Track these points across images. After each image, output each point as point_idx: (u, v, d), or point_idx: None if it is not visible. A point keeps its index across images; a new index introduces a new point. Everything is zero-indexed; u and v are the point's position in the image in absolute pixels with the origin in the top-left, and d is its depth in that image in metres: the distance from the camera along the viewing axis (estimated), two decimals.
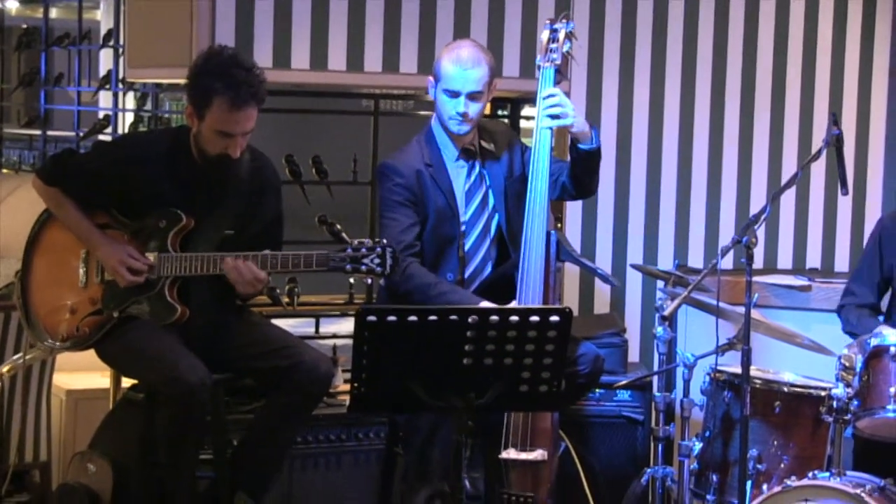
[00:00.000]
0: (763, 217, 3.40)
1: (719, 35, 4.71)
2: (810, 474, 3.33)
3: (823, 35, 4.81)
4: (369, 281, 4.27)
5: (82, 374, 4.42)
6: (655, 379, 3.74)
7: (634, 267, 4.32)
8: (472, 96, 3.55)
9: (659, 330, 3.61)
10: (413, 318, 2.82)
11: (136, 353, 3.45)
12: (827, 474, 3.32)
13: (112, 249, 3.49)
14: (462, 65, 3.54)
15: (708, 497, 3.56)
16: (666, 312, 3.55)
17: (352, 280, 4.31)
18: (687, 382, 3.61)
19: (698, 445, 3.60)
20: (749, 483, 3.43)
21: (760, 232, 3.43)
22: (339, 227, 4.27)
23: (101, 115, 5.14)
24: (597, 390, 3.99)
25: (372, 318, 2.81)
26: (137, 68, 4.37)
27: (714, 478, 3.55)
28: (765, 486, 3.44)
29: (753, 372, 3.46)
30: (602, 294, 4.62)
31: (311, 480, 3.88)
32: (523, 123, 4.66)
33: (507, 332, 2.86)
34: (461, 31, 4.32)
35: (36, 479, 4.27)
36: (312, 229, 4.26)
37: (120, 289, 3.49)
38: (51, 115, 6.11)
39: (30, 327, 3.62)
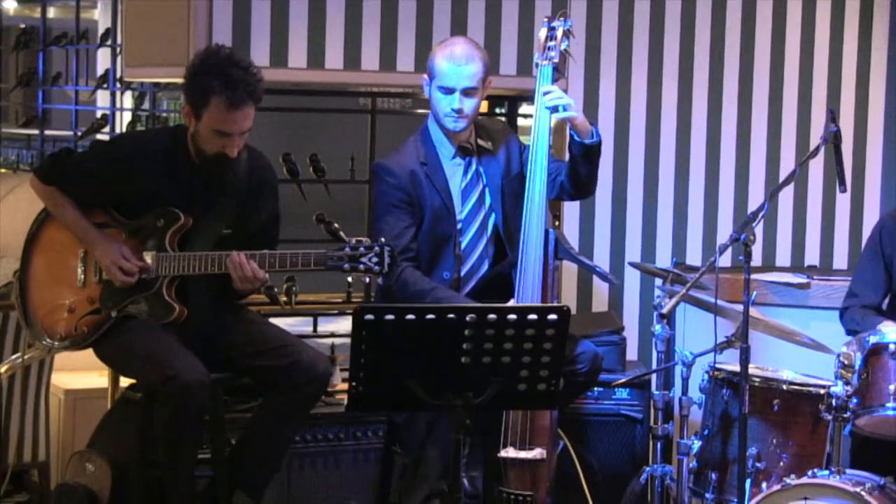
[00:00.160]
0: (761, 214, 3.39)
1: (716, 32, 4.71)
2: (809, 472, 3.33)
3: (821, 32, 4.81)
4: (367, 280, 4.27)
5: (81, 374, 4.42)
6: (654, 377, 3.73)
7: (633, 265, 4.32)
8: (467, 92, 3.55)
9: (657, 328, 3.61)
10: (411, 316, 2.82)
11: (134, 352, 3.45)
12: (826, 472, 3.32)
13: (107, 249, 3.49)
14: (455, 61, 3.55)
15: (707, 495, 3.56)
16: (664, 310, 3.55)
17: (350, 279, 4.31)
18: (685, 380, 3.60)
19: (697, 444, 3.60)
20: (748, 481, 3.43)
21: (759, 229, 3.43)
22: (336, 225, 4.24)
23: (98, 114, 5.14)
24: (595, 389, 3.99)
25: (370, 316, 2.81)
26: (135, 67, 4.37)
27: (713, 476, 3.55)
28: (764, 485, 3.44)
29: (752, 370, 3.46)
30: (600, 292, 4.62)
31: (309, 479, 3.88)
32: (521, 122, 4.66)
33: (506, 331, 2.86)
34: (458, 29, 4.32)
35: (34, 479, 4.27)
36: (310, 228, 4.24)
37: (118, 288, 3.49)
38: (49, 114, 6.11)
39: (28, 327, 3.62)
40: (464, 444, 2.91)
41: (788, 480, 3.31)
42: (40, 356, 4.00)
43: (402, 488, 3.65)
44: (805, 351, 3.68)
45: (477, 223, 3.66)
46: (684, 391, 3.61)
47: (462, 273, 3.63)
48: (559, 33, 3.58)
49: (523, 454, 3.46)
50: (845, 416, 3.35)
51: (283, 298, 4.24)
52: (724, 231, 4.67)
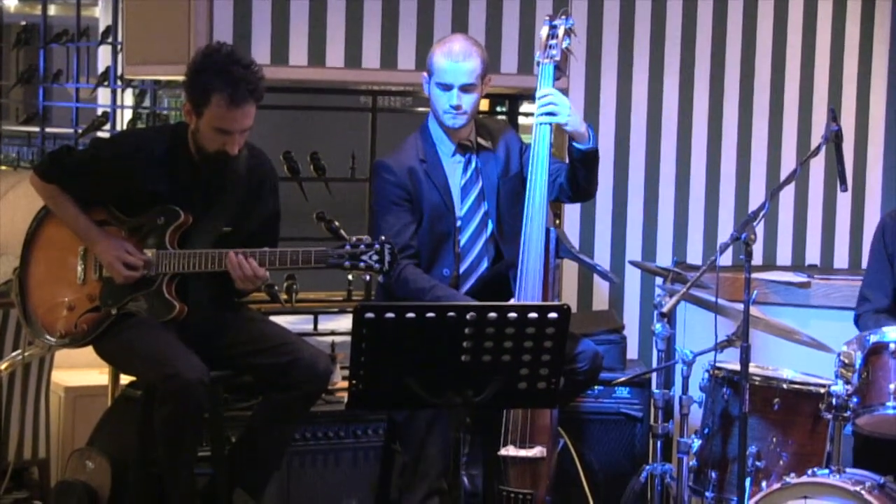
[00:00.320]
0: (762, 213, 3.39)
1: (718, 31, 4.70)
2: (809, 471, 3.33)
3: (822, 31, 4.81)
4: (367, 278, 4.27)
5: (81, 371, 4.42)
6: (654, 376, 3.73)
7: (633, 264, 4.31)
8: (465, 88, 3.55)
9: (658, 327, 3.61)
10: (411, 315, 2.82)
11: (134, 350, 3.44)
12: (826, 471, 3.32)
13: (109, 245, 3.48)
14: (454, 58, 3.55)
15: (707, 494, 3.55)
16: (665, 309, 3.55)
17: (350, 277, 4.31)
18: (686, 379, 3.60)
19: (697, 442, 3.60)
20: (748, 480, 3.43)
21: (759, 228, 3.43)
22: (337, 223, 4.27)
23: (99, 111, 5.14)
24: (595, 387, 3.99)
25: (370, 315, 2.81)
26: (135, 65, 4.37)
27: (713, 475, 3.55)
28: (764, 484, 3.43)
29: (752, 369, 3.46)
30: (601, 291, 4.62)
31: (309, 477, 3.88)
32: (522, 120, 4.66)
33: (506, 329, 2.85)
34: (459, 27, 4.31)
35: (34, 477, 4.27)
36: (310, 226, 4.25)
37: (118, 285, 3.49)
38: (49, 111, 6.11)
39: (28, 324, 3.62)
40: (464, 443, 2.91)
41: (788, 479, 3.31)
42: (40, 354, 4.01)
43: (401, 486, 3.65)
44: (805, 350, 3.68)
45: (476, 220, 3.66)
46: (684, 390, 3.61)
47: (461, 270, 3.63)
48: (560, 31, 3.58)
49: (523, 452, 3.46)
50: (845, 415, 3.35)
51: (284, 296, 4.24)
52: (725, 230, 4.66)
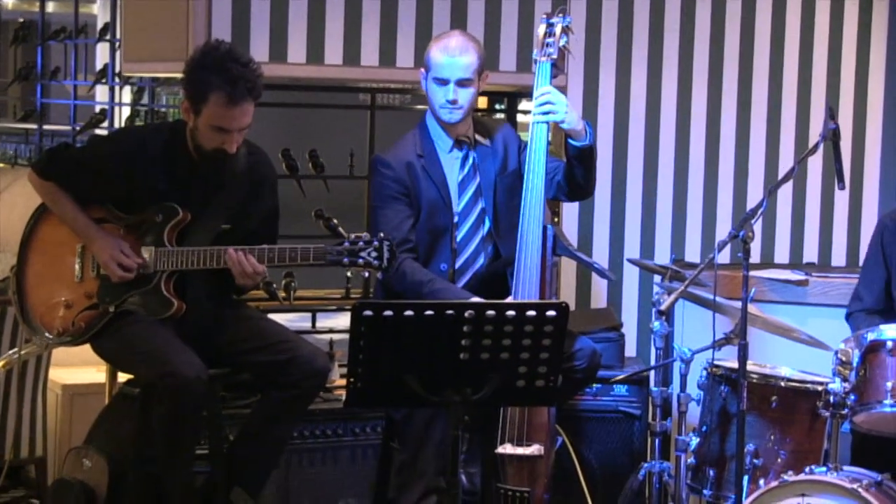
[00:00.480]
0: (760, 211, 3.39)
1: (716, 29, 4.70)
2: (807, 469, 3.33)
3: (820, 29, 4.81)
4: (366, 275, 4.27)
5: (78, 369, 4.42)
6: (652, 374, 3.73)
7: (631, 261, 4.32)
8: (462, 83, 3.56)
9: (656, 325, 3.61)
10: (409, 312, 2.82)
11: (131, 347, 3.44)
12: (824, 469, 3.32)
13: (105, 244, 3.48)
14: (450, 52, 3.56)
15: (705, 492, 3.56)
16: (663, 307, 3.55)
17: (349, 274, 4.30)
18: (684, 377, 3.60)
19: (695, 440, 3.60)
20: (746, 478, 3.43)
21: (757, 226, 3.43)
22: (335, 221, 4.27)
23: (97, 109, 5.14)
24: (593, 385, 3.99)
25: (368, 312, 2.81)
26: (134, 62, 4.37)
27: (711, 472, 3.55)
28: (762, 481, 3.44)
29: (750, 366, 3.46)
30: (599, 289, 4.62)
31: (307, 475, 3.88)
32: (520, 118, 4.66)
33: (504, 327, 2.85)
34: (458, 24, 4.31)
35: (31, 475, 4.27)
36: (309, 223, 4.25)
37: (115, 283, 3.48)
38: (47, 109, 6.10)
39: (25, 322, 3.61)
40: (462, 441, 2.91)
41: (786, 477, 3.31)
42: (37, 351, 4.00)
43: (399, 485, 3.65)
44: (803, 348, 3.68)
45: (473, 216, 3.67)
46: (682, 388, 3.61)
47: (457, 266, 3.63)
48: (558, 30, 3.58)
49: (521, 450, 3.46)
50: (843, 412, 3.36)
51: (282, 294, 4.23)
52: (723, 228, 4.67)
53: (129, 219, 3.53)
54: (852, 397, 3.35)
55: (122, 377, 3.96)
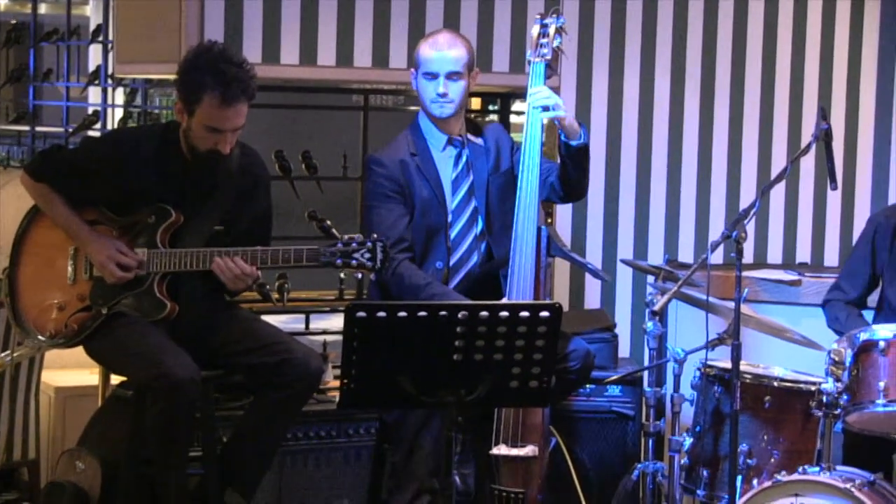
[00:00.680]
0: (752, 212, 3.40)
1: (708, 30, 4.71)
2: (800, 469, 3.34)
3: (812, 30, 4.82)
4: (360, 276, 4.27)
5: (71, 372, 4.41)
6: (646, 374, 3.74)
7: (625, 262, 4.32)
8: (451, 76, 3.58)
9: (649, 325, 3.61)
10: (403, 313, 2.82)
11: (124, 349, 3.43)
12: (817, 469, 3.32)
13: (101, 245, 3.48)
14: (438, 47, 3.60)
15: (698, 492, 3.56)
16: (656, 307, 3.55)
17: (342, 276, 4.30)
18: (677, 377, 3.61)
19: (689, 441, 3.60)
20: (739, 478, 3.44)
21: (750, 227, 3.43)
22: (329, 222, 4.27)
23: (90, 110, 5.11)
24: (587, 386, 3.99)
25: (362, 314, 2.81)
26: (126, 64, 4.36)
27: (704, 473, 3.55)
28: (755, 481, 3.44)
29: (743, 367, 3.47)
30: (592, 289, 4.62)
31: (301, 477, 3.88)
32: (514, 119, 4.66)
33: (497, 328, 2.85)
34: (451, 25, 4.31)
35: (24, 478, 4.26)
36: (302, 225, 4.25)
37: (108, 285, 3.48)
38: (39, 110, 6.08)
39: (18, 324, 3.60)
40: (456, 442, 2.91)
41: (779, 477, 3.31)
42: (30, 354, 3.99)
43: (392, 486, 3.65)
44: (796, 348, 3.69)
45: (466, 215, 3.67)
46: (676, 388, 3.62)
47: (451, 263, 3.63)
48: (551, 30, 3.58)
49: (515, 451, 3.46)
50: (836, 412, 3.36)
51: (275, 296, 4.23)
52: (716, 228, 4.67)
53: (121, 220, 3.52)
54: (845, 397, 3.36)
55: (115, 379, 3.96)
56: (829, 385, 3.36)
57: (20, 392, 4.13)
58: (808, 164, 4.75)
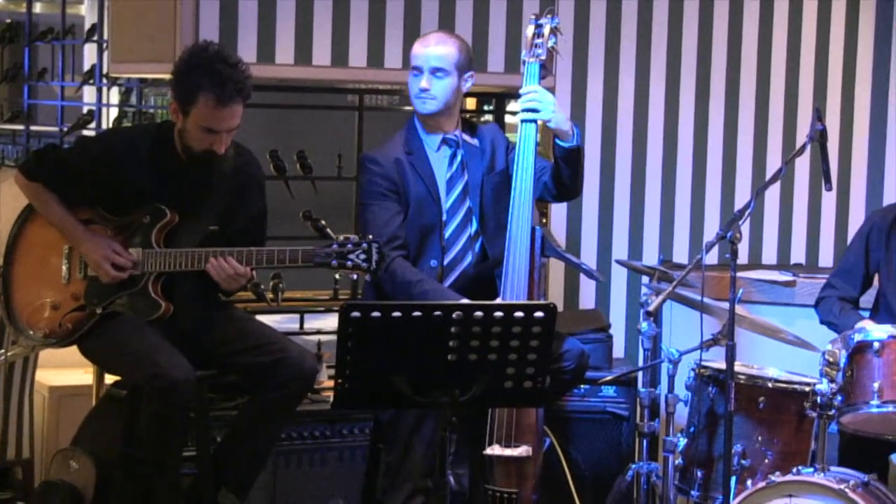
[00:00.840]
0: (747, 212, 3.40)
1: (704, 31, 4.72)
2: (794, 470, 3.34)
3: (807, 31, 4.82)
4: (354, 277, 4.26)
5: (65, 371, 4.40)
6: (640, 374, 3.74)
7: (619, 262, 4.32)
8: (435, 72, 3.59)
9: (644, 325, 3.61)
10: (397, 313, 2.81)
11: (118, 349, 3.43)
12: (811, 470, 3.33)
13: (96, 245, 3.47)
14: (425, 42, 3.64)
15: (692, 493, 3.56)
16: (651, 308, 3.55)
17: (337, 276, 4.30)
18: (672, 378, 3.61)
19: (683, 441, 3.61)
20: (733, 479, 3.44)
21: (745, 227, 3.44)
22: (323, 222, 4.25)
23: (84, 110, 5.11)
24: (581, 386, 3.99)
25: (356, 314, 2.81)
26: (121, 63, 4.35)
27: (699, 473, 3.55)
28: (749, 482, 3.44)
29: (738, 367, 3.47)
30: (587, 290, 4.62)
31: (295, 477, 3.87)
32: (508, 119, 4.66)
33: (492, 328, 2.85)
34: (446, 25, 4.31)
35: (18, 477, 4.25)
36: (297, 225, 4.24)
37: (103, 285, 3.47)
38: (34, 110, 6.07)
39: (12, 323, 3.60)
40: (450, 442, 2.91)
41: (773, 478, 3.32)
42: (24, 353, 3.99)
43: (386, 486, 3.65)
44: (790, 348, 3.69)
45: (460, 215, 3.67)
46: (670, 389, 3.62)
47: (445, 262, 3.63)
48: (546, 30, 3.58)
49: (509, 452, 3.46)
50: (830, 413, 3.36)
51: (270, 295, 4.22)
52: (711, 229, 4.67)
53: (116, 220, 3.52)
54: (839, 398, 3.36)
55: (110, 379, 3.95)
56: (823, 386, 3.37)
57: (14, 391, 4.12)
58: (803, 164, 4.75)
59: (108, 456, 3.62)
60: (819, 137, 3.53)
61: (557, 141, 3.59)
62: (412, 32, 4.25)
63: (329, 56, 4.24)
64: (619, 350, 4.48)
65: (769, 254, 4.83)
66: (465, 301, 3.41)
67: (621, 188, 4.66)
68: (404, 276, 3.52)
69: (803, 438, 3.47)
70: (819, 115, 3.56)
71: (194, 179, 3.49)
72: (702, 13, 4.71)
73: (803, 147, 3.56)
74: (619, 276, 4.63)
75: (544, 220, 4.45)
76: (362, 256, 3.27)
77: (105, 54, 4.71)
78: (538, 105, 3.52)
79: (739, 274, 3.38)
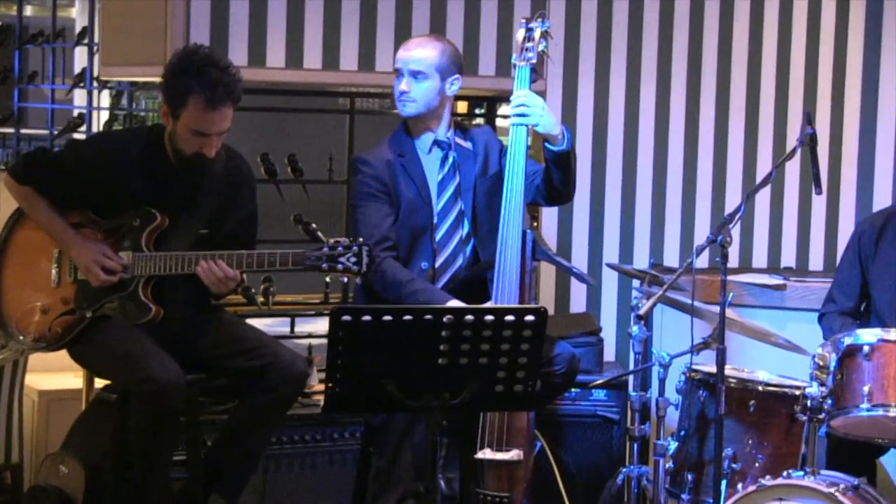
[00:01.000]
0: (738, 216, 3.41)
1: (694, 35, 4.72)
2: (785, 473, 3.34)
3: (797, 35, 4.83)
4: (345, 280, 4.26)
5: (55, 375, 4.39)
6: (631, 378, 3.74)
7: (610, 266, 4.32)
8: (414, 74, 3.60)
9: (634, 329, 3.62)
10: (388, 317, 2.81)
11: (108, 353, 3.42)
12: (801, 473, 3.33)
13: (86, 249, 3.46)
14: (406, 46, 3.67)
15: (683, 496, 3.56)
16: (641, 311, 3.56)
17: (328, 279, 4.29)
18: (662, 382, 3.61)
19: (674, 445, 3.61)
20: (724, 482, 3.44)
21: (735, 231, 3.44)
22: (314, 225, 4.24)
23: (75, 113, 5.10)
24: (572, 390, 3.99)
25: (347, 317, 2.81)
26: (112, 66, 4.35)
27: (689, 477, 3.56)
28: (739, 486, 3.45)
29: (728, 371, 3.47)
30: (578, 293, 4.63)
31: (285, 481, 3.87)
32: (500, 122, 4.66)
33: (483, 332, 2.85)
34: (437, 29, 4.31)
35: (7, 481, 4.23)
36: (288, 228, 4.24)
37: (93, 288, 3.47)
38: (24, 113, 6.06)
39: (1, 328, 3.58)
40: (441, 446, 2.91)
41: (764, 481, 3.32)
42: (13, 357, 3.97)
43: (377, 490, 3.64)
44: (781, 352, 3.70)
45: (452, 217, 3.68)
46: (661, 392, 3.62)
47: (436, 265, 3.63)
48: (536, 34, 3.59)
49: (500, 455, 3.46)
50: (820, 417, 3.37)
51: (261, 299, 4.21)
52: (702, 232, 4.68)
53: (106, 223, 3.51)
54: (829, 402, 3.37)
55: (99, 383, 3.94)
56: (813, 389, 3.37)
57: (3, 396, 4.11)
58: (793, 168, 4.76)
59: (97, 460, 3.61)
60: (809, 141, 3.53)
61: (547, 145, 3.59)
62: (403, 36, 4.25)
63: (320, 59, 4.24)
64: (609, 354, 4.48)
65: (759, 257, 4.84)
66: (455, 304, 3.42)
67: (612, 191, 4.66)
68: (395, 276, 3.52)
69: (793, 442, 3.48)
70: (809, 118, 3.57)
71: (185, 183, 3.49)
72: (692, 17, 4.71)
73: (793, 151, 3.57)
74: (609, 280, 4.63)
75: (535, 224, 4.45)
76: (353, 259, 3.27)
77: (96, 57, 4.70)
78: (527, 109, 3.52)
79: (730, 277, 3.38)
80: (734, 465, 3.48)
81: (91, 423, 3.79)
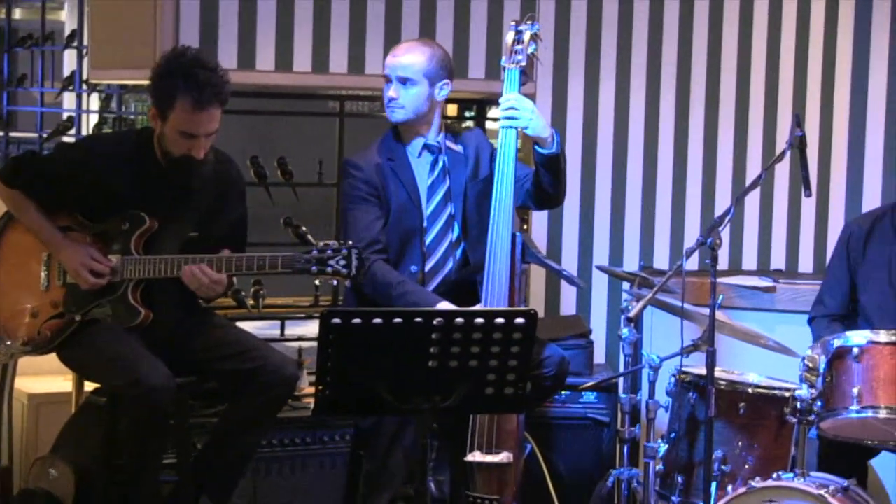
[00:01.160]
0: (727, 218, 3.41)
1: (684, 37, 4.73)
2: (774, 475, 3.35)
3: (787, 37, 4.85)
4: (335, 283, 4.26)
5: (44, 378, 4.38)
6: (621, 380, 3.74)
7: (600, 268, 4.33)
8: (402, 81, 3.61)
9: (624, 331, 3.62)
10: (378, 320, 2.81)
11: (98, 356, 3.42)
12: (791, 475, 3.34)
13: (74, 252, 3.46)
14: (394, 52, 3.67)
15: (673, 498, 3.57)
16: (631, 314, 3.56)
17: (317, 282, 4.29)
18: (652, 384, 3.61)
19: (664, 447, 3.61)
20: (714, 484, 3.44)
21: (725, 233, 3.45)
22: (304, 228, 4.26)
23: (64, 116, 5.08)
24: (562, 392, 3.99)
25: (337, 320, 2.80)
26: (101, 69, 4.34)
27: (679, 479, 3.56)
28: (729, 488, 3.45)
29: (718, 373, 3.48)
30: (568, 296, 4.63)
31: (275, 484, 3.86)
32: (489, 125, 4.67)
33: (473, 335, 2.85)
34: (427, 32, 4.32)
35: None
36: (278, 231, 4.24)
37: (82, 292, 3.46)
38: (13, 116, 6.04)
39: None
40: (431, 448, 2.91)
41: (753, 483, 3.32)
42: (3, 361, 3.96)
43: (367, 493, 3.64)
44: (771, 354, 3.70)
45: (442, 221, 3.68)
46: (651, 395, 3.62)
47: (426, 269, 3.63)
48: (526, 37, 3.59)
49: (490, 458, 3.46)
50: (810, 419, 3.37)
51: (251, 302, 4.22)
52: (691, 235, 4.69)
53: (95, 227, 3.50)
54: (819, 403, 3.37)
55: (89, 386, 3.93)
56: (803, 391, 3.38)
57: None
58: (782, 171, 4.77)
59: (87, 463, 3.60)
60: (798, 143, 3.54)
61: (536, 147, 3.59)
62: (393, 39, 4.25)
63: (310, 62, 4.24)
64: (599, 356, 4.49)
65: (749, 260, 4.85)
66: (445, 307, 3.42)
67: (602, 194, 4.67)
68: (384, 278, 3.52)
69: (783, 444, 3.48)
70: (798, 121, 3.57)
71: (174, 185, 3.48)
72: (682, 20, 4.72)
73: (783, 153, 3.58)
74: (599, 283, 4.64)
75: (525, 227, 4.46)
76: (342, 262, 3.27)
77: (85, 60, 4.69)
78: (516, 112, 3.53)
79: (720, 280, 3.39)
80: (724, 468, 3.49)
81: (81, 426, 3.78)
